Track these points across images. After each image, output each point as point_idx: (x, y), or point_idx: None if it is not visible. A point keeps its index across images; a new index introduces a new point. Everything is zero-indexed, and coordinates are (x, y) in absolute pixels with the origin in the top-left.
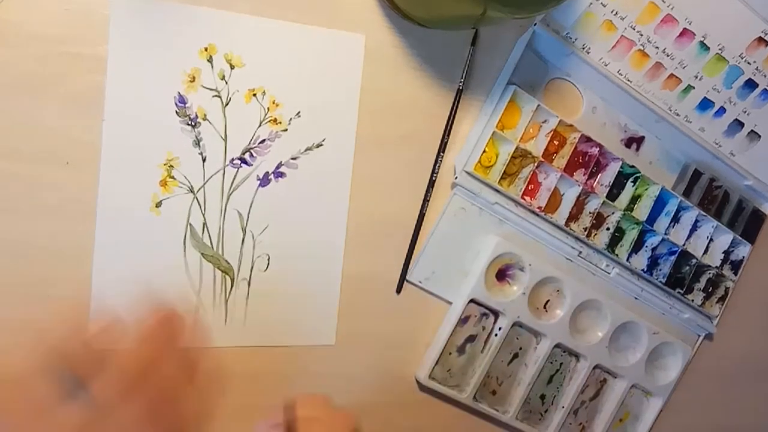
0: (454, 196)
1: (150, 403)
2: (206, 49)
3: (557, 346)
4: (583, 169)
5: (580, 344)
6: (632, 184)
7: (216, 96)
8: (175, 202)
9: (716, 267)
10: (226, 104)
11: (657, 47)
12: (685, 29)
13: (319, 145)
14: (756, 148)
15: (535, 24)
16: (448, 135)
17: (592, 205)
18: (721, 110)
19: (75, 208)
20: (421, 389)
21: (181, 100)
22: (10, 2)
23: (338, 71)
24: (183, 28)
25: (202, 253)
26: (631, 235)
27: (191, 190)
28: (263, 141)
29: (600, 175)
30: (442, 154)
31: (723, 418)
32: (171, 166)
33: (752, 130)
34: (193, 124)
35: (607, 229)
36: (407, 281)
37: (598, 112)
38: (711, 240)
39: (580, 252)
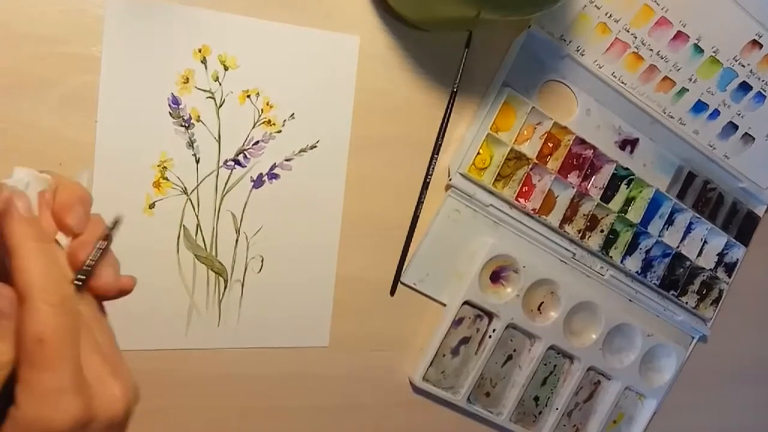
0: (448, 198)
1: None
2: (200, 51)
3: (551, 347)
4: (578, 171)
5: (574, 346)
6: (626, 186)
7: (210, 97)
8: (168, 204)
9: (710, 269)
10: (220, 105)
11: (651, 50)
12: (679, 32)
13: (313, 147)
14: (750, 150)
15: (529, 26)
16: (443, 137)
17: (587, 207)
18: (716, 113)
19: None
20: (415, 391)
21: (175, 102)
22: (3, 2)
23: (332, 73)
24: (177, 29)
25: (195, 255)
26: (625, 237)
27: (185, 192)
28: (257, 142)
29: (594, 177)
30: (436, 155)
31: (716, 420)
32: (164, 168)
33: (746, 133)
34: (186, 125)
35: (601, 231)
36: (401, 283)
37: (593, 114)
38: (705, 242)
39: (575, 254)
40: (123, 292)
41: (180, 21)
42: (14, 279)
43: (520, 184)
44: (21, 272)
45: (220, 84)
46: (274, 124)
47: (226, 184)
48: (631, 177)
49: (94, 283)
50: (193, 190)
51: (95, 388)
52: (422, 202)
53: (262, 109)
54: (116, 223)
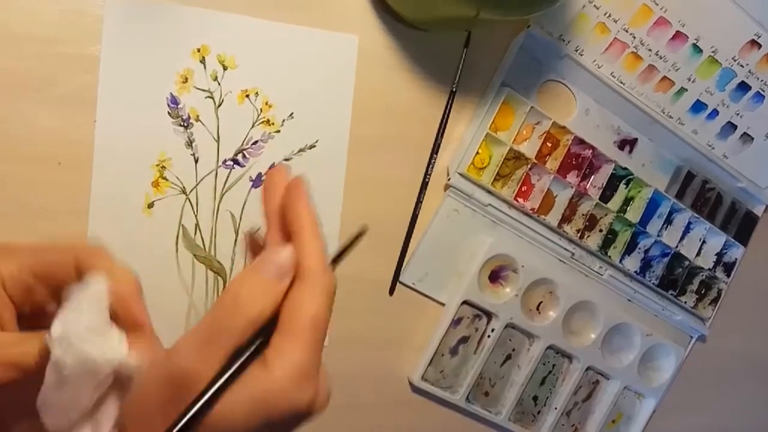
0: (447, 198)
1: None
2: (199, 50)
3: (550, 347)
4: (576, 171)
5: (573, 346)
6: (625, 185)
7: (209, 97)
8: (167, 203)
9: (709, 269)
10: (219, 105)
11: (650, 49)
12: (678, 32)
13: (312, 147)
14: (749, 150)
15: (528, 26)
16: (442, 136)
17: (585, 206)
18: (714, 112)
19: (67, 208)
20: (414, 390)
21: (174, 101)
22: (3, 2)
23: (331, 72)
24: (176, 29)
25: (194, 254)
26: (624, 236)
27: (184, 191)
28: (256, 142)
29: (593, 176)
30: (435, 155)
31: (715, 420)
32: (163, 167)
33: (745, 133)
34: (185, 125)
35: (600, 230)
36: (400, 282)
37: (592, 114)
38: (704, 242)
39: (573, 254)
40: None
41: (179, 21)
42: (301, 257)
43: (519, 184)
44: (309, 252)
45: (219, 84)
46: (273, 124)
47: (225, 183)
48: (630, 177)
49: None
50: (192, 190)
51: (321, 381)
52: (421, 202)
53: (261, 109)
54: (360, 234)
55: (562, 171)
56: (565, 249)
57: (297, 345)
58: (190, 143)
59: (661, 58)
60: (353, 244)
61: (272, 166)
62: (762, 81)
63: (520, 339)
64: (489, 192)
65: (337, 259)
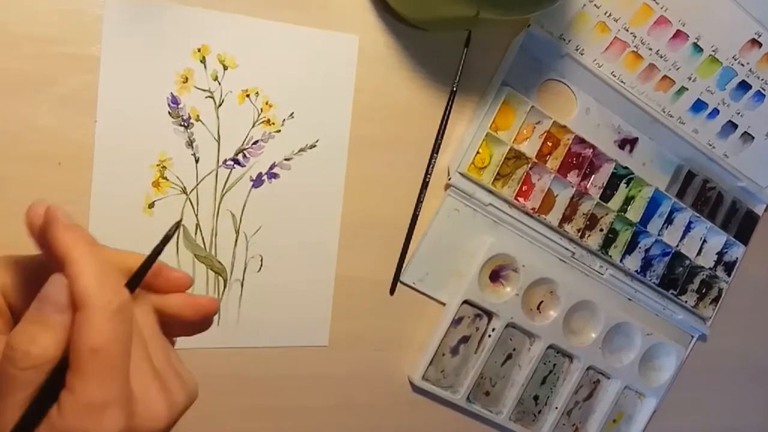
0: (447, 198)
1: None
2: (199, 50)
3: (551, 347)
4: (577, 171)
5: (574, 345)
6: (626, 185)
7: (209, 97)
8: (168, 203)
9: (709, 268)
10: (219, 105)
11: (650, 49)
12: (678, 31)
13: (312, 146)
14: (749, 149)
15: (528, 25)
16: (442, 136)
17: (586, 206)
18: (715, 112)
19: (67, 209)
20: (415, 390)
21: (174, 101)
22: (2, 2)
23: (332, 72)
24: (176, 29)
25: (195, 254)
26: (625, 236)
27: (184, 191)
28: (256, 142)
29: (593, 176)
30: (435, 155)
31: (716, 419)
32: (164, 167)
33: (746, 132)
34: (186, 124)
35: (601, 230)
36: (401, 282)
37: (592, 113)
38: (704, 241)
39: (574, 253)
40: (180, 287)
41: (179, 20)
42: (71, 286)
43: (520, 184)
44: (75, 278)
45: (219, 83)
46: (273, 124)
47: (225, 183)
48: (631, 176)
49: (153, 281)
50: (192, 190)
51: (140, 403)
52: (422, 202)
53: (261, 109)
54: (175, 228)
55: (562, 170)
56: (566, 248)
57: (83, 378)
58: (190, 143)
59: (661, 57)
60: (152, 259)
61: (274, 166)
62: (762, 80)
63: (521, 338)
64: (489, 191)
65: (137, 278)
